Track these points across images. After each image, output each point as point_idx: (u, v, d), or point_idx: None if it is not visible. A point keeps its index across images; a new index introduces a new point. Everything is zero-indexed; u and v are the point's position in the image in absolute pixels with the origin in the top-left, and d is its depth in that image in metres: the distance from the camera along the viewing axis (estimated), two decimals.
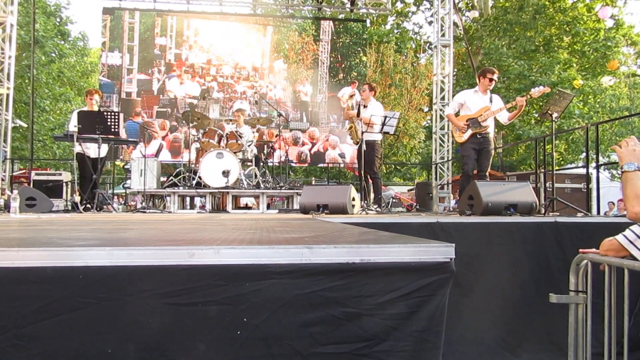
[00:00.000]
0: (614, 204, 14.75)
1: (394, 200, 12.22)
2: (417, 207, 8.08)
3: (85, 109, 7.27)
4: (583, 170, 8.82)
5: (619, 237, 2.18)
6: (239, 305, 1.35)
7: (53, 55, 21.46)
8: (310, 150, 12.69)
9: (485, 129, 6.10)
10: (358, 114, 7.03)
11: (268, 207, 8.18)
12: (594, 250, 2.37)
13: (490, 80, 6.23)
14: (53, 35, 21.06)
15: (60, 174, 9.61)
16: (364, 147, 6.71)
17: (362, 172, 6.82)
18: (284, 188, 8.09)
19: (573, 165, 18.66)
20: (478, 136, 6.13)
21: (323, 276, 1.39)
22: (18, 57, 12.93)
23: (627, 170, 2.08)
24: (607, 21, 19.19)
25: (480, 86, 6.32)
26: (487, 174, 6.23)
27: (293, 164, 13.09)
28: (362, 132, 6.72)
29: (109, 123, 6.45)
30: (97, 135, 6.41)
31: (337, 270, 1.40)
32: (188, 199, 8.99)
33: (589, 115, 18.38)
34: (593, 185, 7.48)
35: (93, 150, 6.90)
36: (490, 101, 6.21)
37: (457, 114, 6.40)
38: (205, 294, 1.34)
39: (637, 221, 2.08)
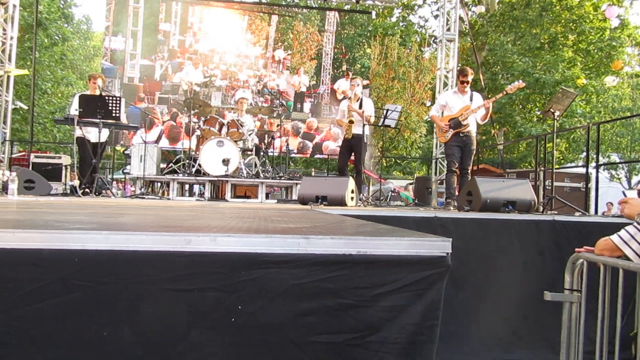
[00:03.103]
0: (612, 204, 14.76)
1: (392, 194, 12.22)
2: (416, 201, 8.09)
3: (87, 92, 7.25)
4: (583, 170, 8.82)
5: (614, 237, 2.19)
6: (234, 293, 1.35)
7: (56, 38, 21.38)
8: (312, 141, 12.68)
9: (466, 128, 6.19)
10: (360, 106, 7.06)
11: (267, 196, 8.18)
12: (589, 249, 2.38)
13: (462, 82, 6.35)
14: (56, 17, 20.96)
15: (60, 157, 9.61)
16: (364, 140, 6.79)
17: (344, 166, 7.14)
18: (283, 178, 8.09)
19: (573, 164, 18.66)
20: (461, 135, 6.24)
21: (319, 267, 1.40)
22: (20, 38, 12.87)
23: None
24: (613, 21, 19.09)
25: (458, 87, 6.48)
26: (469, 171, 6.33)
27: (294, 155, 13.06)
28: (363, 125, 6.77)
29: (110, 108, 6.42)
30: (98, 120, 6.39)
31: (334, 261, 1.41)
32: (187, 186, 8.99)
33: (591, 114, 18.35)
34: (592, 185, 7.49)
35: (93, 134, 6.88)
36: (471, 100, 6.33)
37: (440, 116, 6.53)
38: (201, 280, 1.35)
39: None
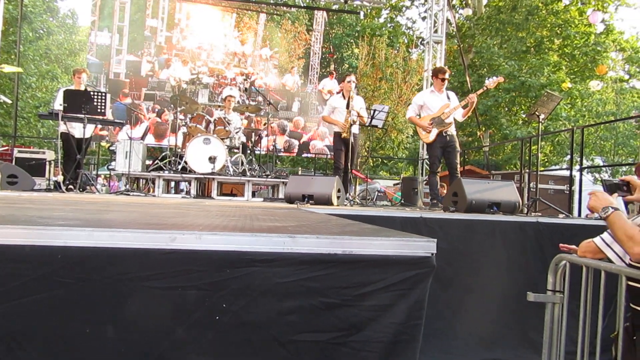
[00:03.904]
0: None
1: (379, 194, 12.27)
2: (402, 201, 8.12)
3: (72, 87, 7.16)
4: (567, 172, 8.92)
5: (597, 240, 2.22)
6: (218, 291, 1.35)
7: (41, 31, 21.11)
8: (299, 140, 12.65)
9: (449, 126, 6.22)
10: (347, 106, 7.03)
11: (253, 195, 8.16)
12: (573, 247, 2.40)
13: (442, 80, 6.42)
14: (41, 11, 20.70)
15: (43, 153, 9.48)
16: (351, 139, 6.78)
17: (346, 165, 6.93)
18: (270, 177, 8.07)
19: (557, 167, 18.88)
20: (444, 134, 6.26)
21: (304, 266, 1.40)
22: (5, 32, 12.67)
23: (606, 216, 2.07)
24: (598, 26, 19.36)
25: (435, 86, 6.52)
26: (459, 172, 6.34)
27: (281, 153, 13.01)
28: (351, 125, 6.76)
29: (95, 103, 6.35)
30: (83, 115, 6.32)
31: (319, 260, 1.41)
32: (173, 183, 8.93)
33: (575, 118, 18.57)
34: (576, 187, 7.57)
35: (78, 130, 6.81)
36: (448, 98, 6.40)
37: (418, 116, 6.53)
38: (185, 278, 1.34)
39: None
